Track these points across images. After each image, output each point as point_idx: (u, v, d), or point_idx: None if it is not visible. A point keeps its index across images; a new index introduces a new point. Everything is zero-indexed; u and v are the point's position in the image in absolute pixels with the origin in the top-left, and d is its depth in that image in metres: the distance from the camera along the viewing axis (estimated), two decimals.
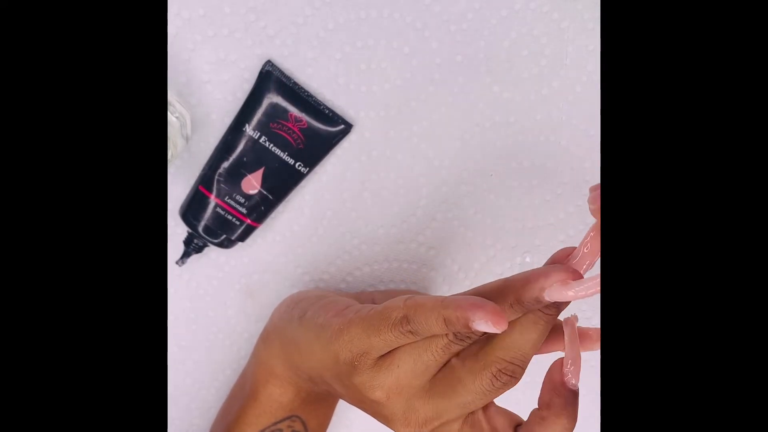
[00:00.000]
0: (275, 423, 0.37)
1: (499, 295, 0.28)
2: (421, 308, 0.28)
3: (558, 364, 0.29)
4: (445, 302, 0.27)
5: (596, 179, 0.42)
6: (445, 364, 0.30)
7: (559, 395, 0.29)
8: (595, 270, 0.26)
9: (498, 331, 0.26)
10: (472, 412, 0.30)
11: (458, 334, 0.28)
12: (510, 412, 0.32)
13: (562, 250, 0.29)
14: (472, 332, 0.27)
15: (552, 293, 0.27)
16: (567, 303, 0.28)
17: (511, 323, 0.28)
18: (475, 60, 0.40)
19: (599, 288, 0.26)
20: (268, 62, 0.39)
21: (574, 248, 0.29)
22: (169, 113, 0.37)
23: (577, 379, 0.29)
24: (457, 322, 0.26)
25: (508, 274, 0.44)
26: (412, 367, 0.29)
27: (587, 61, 0.40)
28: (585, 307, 0.45)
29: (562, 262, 0.29)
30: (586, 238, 0.28)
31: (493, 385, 0.29)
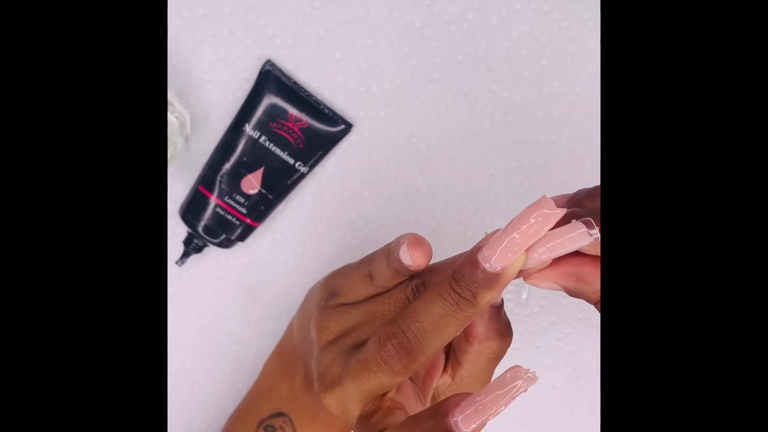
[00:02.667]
0: (271, 416, 0.37)
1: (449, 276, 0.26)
2: (376, 251, 0.29)
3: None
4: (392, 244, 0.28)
5: (596, 179, 0.42)
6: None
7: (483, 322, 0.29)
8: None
9: (412, 260, 0.27)
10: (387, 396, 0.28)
11: (414, 291, 0.28)
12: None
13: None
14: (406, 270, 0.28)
15: (483, 255, 0.24)
16: (489, 291, 0.25)
17: (427, 293, 0.26)
18: (475, 60, 0.40)
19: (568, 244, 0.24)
20: (268, 62, 0.39)
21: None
22: (168, 113, 0.37)
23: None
24: (392, 251, 0.27)
25: None
26: (361, 318, 0.29)
27: (587, 61, 0.40)
28: (586, 307, 0.45)
29: None
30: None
31: (383, 357, 0.26)
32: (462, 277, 0.25)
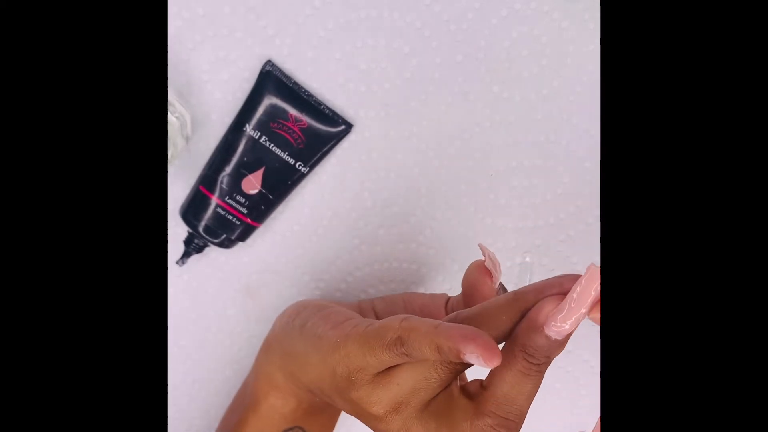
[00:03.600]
0: None
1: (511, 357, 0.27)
2: (415, 332, 0.27)
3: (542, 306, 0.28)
4: (438, 329, 0.27)
5: (596, 179, 0.42)
6: (444, 393, 0.29)
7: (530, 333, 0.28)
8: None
9: (490, 367, 0.26)
10: None
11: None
12: None
13: (542, 302, 0.28)
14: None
15: (553, 330, 0.26)
16: (560, 348, 0.27)
17: (503, 372, 0.27)
18: (475, 60, 0.40)
19: (592, 288, 0.25)
20: (268, 62, 0.39)
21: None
22: (169, 113, 0.37)
23: (572, 327, 0.27)
24: (449, 352, 0.26)
25: (508, 274, 0.44)
26: (413, 385, 0.29)
27: (587, 61, 0.40)
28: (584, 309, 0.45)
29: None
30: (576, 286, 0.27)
31: None
32: (535, 350, 0.27)
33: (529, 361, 0.27)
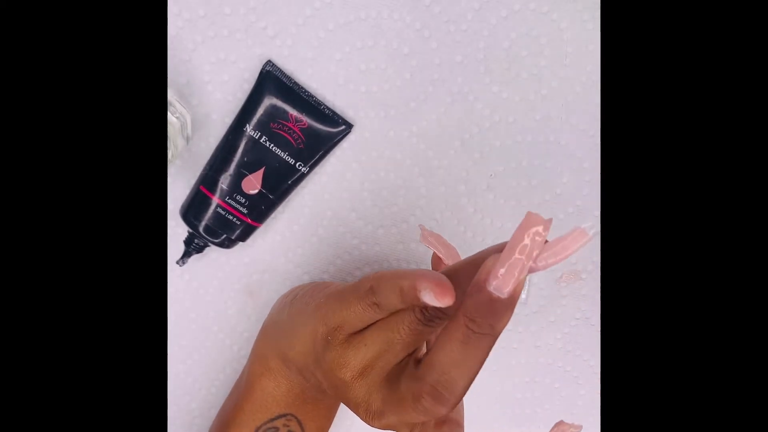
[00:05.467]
0: (271, 420, 0.37)
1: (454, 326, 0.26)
2: (383, 278, 0.28)
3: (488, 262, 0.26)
4: (402, 273, 0.27)
5: (596, 179, 0.42)
6: (405, 362, 0.30)
7: (470, 295, 0.26)
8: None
9: (441, 304, 0.25)
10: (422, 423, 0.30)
11: (424, 314, 0.28)
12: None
13: (488, 260, 0.25)
14: (425, 306, 0.27)
15: (492, 285, 0.24)
16: (505, 315, 0.25)
17: (444, 340, 0.26)
18: (475, 60, 0.40)
19: (570, 251, 0.24)
20: (269, 62, 0.39)
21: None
22: (169, 113, 0.37)
23: (507, 287, 0.25)
24: (408, 292, 0.26)
25: None
26: (379, 347, 0.29)
27: (587, 61, 0.40)
28: (585, 306, 0.45)
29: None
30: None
31: (420, 409, 0.27)
32: (477, 314, 0.25)
33: (470, 327, 0.25)
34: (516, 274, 0.24)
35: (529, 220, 0.24)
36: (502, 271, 0.24)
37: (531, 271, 0.25)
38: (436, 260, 0.36)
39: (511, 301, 0.25)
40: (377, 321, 0.30)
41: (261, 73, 0.39)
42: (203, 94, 0.40)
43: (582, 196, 0.43)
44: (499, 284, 0.24)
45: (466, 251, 0.43)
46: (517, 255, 0.24)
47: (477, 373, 0.26)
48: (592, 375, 0.46)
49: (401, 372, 0.29)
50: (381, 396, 0.29)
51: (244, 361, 0.45)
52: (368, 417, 0.30)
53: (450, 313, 0.28)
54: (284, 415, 0.37)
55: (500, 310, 0.25)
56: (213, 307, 0.44)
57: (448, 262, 0.34)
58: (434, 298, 0.25)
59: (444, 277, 0.26)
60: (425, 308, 0.28)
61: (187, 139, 0.39)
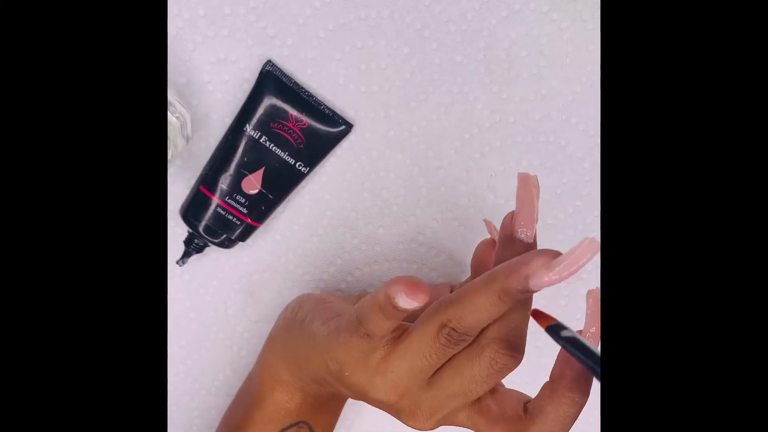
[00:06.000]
0: (282, 430, 0.37)
1: (487, 287, 0.27)
2: (365, 304, 0.28)
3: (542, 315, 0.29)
4: (376, 291, 0.27)
5: (596, 179, 0.42)
6: None
7: (573, 367, 0.28)
8: (572, 243, 0.27)
9: (417, 303, 0.25)
10: (479, 398, 0.30)
11: (451, 338, 0.28)
12: (518, 392, 0.31)
13: (506, 218, 0.30)
14: (463, 333, 0.27)
15: (537, 280, 0.26)
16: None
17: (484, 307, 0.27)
18: (475, 60, 0.40)
19: (584, 261, 0.25)
20: (269, 62, 0.39)
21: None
22: (169, 113, 0.37)
23: (531, 232, 0.30)
24: (386, 306, 0.26)
25: None
26: (408, 372, 0.29)
27: (587, 61, 0.40)
28: (585, 307, 0.45)
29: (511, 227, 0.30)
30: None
31: (493, 367, 0.28)
32: (514, 264, 0.26)
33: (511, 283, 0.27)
34: (533, 219, 0.29)
35: (524, 178, 0.29)
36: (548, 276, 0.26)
37: (547, 285, 0.26)
38: (487, 250, 0.35)
39: (535, 244, 0.29)
40: (400, 345, 0.29)
41: (261, 73, 0.39)
42: (203, 94, 0.40)
43: (582, 196, 0.43)
44: (524, 230, 0.29)
45: (466, 251, 0.43)
46: (527, 205, 0.29)
47: (528, 317, 0.29)
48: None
49: (445, 366, 0.29)
50: (426, 395, 0.29)
51: (244, 362, 0.45)
52: (418, 420, 0.30)
53: (473, 332, 0.28)
54: (296, 424, 0.37)
55: (541, 254, 0.26)
56: (213, 307, 0.44)
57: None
58: (407, 299, 0.25)
59: (414, 277, 0.26)
60: (450, 333, 0.28)
61: (187, 139, 0.39)
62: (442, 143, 0.41)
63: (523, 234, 0.29)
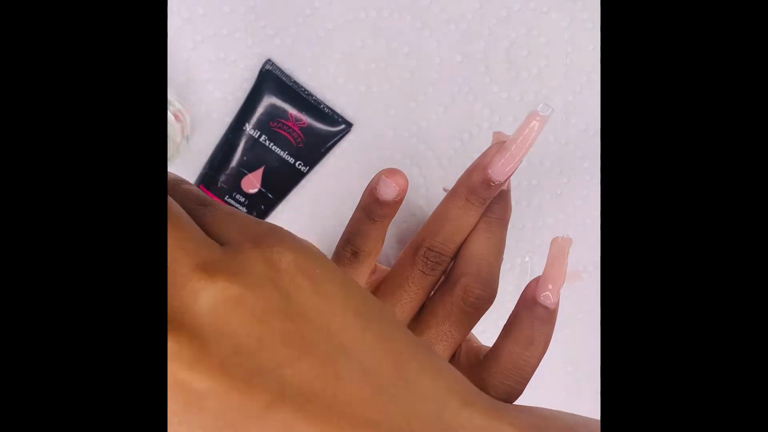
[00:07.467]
0: None
1: (453, 193, 0.27)
2: (350, 220, 0.29)
3: (534, 281, 0.28)
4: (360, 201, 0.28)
5: (596, 179, 0.42)
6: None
7: (527, 308, 0.27)
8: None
9: (397, 187, 0.26)
10: (454, 353, 0.30)
11: (427, 260, 0.28)
12: (486, 345, 0.31)
13: (532, 282, 0.28)
14: (439, 252, 0.28)
15: (495, 167, 0.26)
16: (506, 189, 0.28)
17: (468, 238, 0.28)
18: (475, 60, 0.40)
19: (533, 134, 0.25)
20: (268, 61, 0.39)
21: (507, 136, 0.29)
22: (169, 113, 0.37)
23: (555, 298, 0.27)
24: (370, 203, 0.27)
25: (509, 275, 0.44)
26: (388, 304, 0.29)
27: (586, 62, 0.40)
28: (585, 307, 0.45)
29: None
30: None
31: (465, 302, 0.27)
32: (473, 187, 0.27)
33: (489, 214, 0.28)
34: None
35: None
36: (502, 160, 0.26)
37: (507, 171, 0.27)
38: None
39: (505, 187, 0.28)
40: (381, 283, 0.29)
41: (261, 72, 0.39)
42: (203, 93, 0.40)
43: (582, 196, 0.43)
44: (549, 294, 0.27)
45: None
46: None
47: (502, 253, 0.29)
48: (592, 374, 0.46)
49: (422, 311, 0.29)
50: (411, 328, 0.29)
51: None
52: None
53: (449, 252, 0.28)
54: None
55: (494, 190, 0.27)
56: None
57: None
58: (387, 180, 0.26)
59: (390, 168, 0.27)
60: (426, 253, 0.28)
61: (187, 139, 0.39)
62: (442, 143, 0.41)
63: (547, 300, 0.27)
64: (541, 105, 0.25)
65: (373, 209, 0.27)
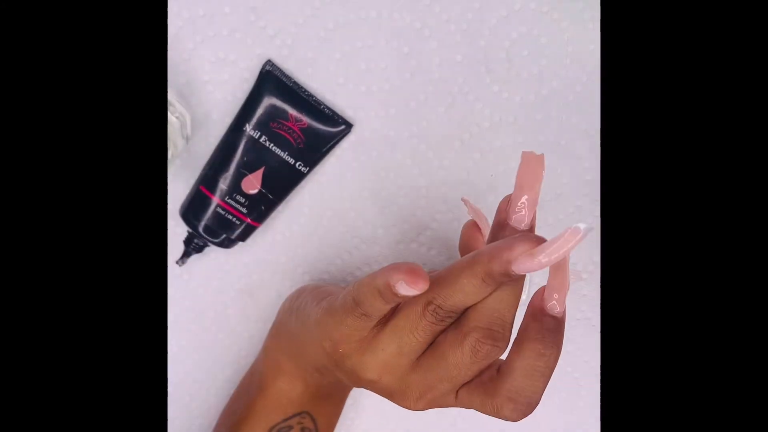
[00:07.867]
0: (285, 419, 0.37)
1: (470, 268, 0.27)
2: (362, 286, 0.28)
3: (540, 291, 0.28)
4: (375, 273, 0.27)
5: (596, 179, 0.42)
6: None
7: (536, 320, 0.28)
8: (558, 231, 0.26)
9: (417, 291, 0.26)
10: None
11: (437, 315, 0.28)
12: (499, 359, 0.31)
13: (502, 202, 0.28)
14: (449, 311, 0.27)
15: (520, 265, 0.26)
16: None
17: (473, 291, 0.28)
18: (475, 60, 0.40)
19: (567, 249, 0.25)
20: (268, 62, 0.39)
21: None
22: (169, 113, 0.37)
23: (562, 307, 0.28)
24: (385, 291, 0.27)
25: None
26: (397, 349, 0.29)
27: (587, 62, 0.40)
28: (585, 307, 0.45)
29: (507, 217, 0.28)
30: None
31: (476, 356, 0.28)
32: (503, 247, 0.26)
33: (502, 270, 0.27)
34: (541, 267, 0.26)
35: (527, 157, 0.26)
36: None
37: (530, 271, 0.25)
38: (471, 231, 0.36)
39: (533, 231, 0.28)
40: (389, 322, 0.29)
41: (261, 72, 0.39)
42: (203, 93, 0.40)
43: (582, 196, 0.43)
44: (519, 217, 0.27)
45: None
46: (551, 257, 0.25)
47: (517, 306, 0.28)
48: (592, 375, 0.45)
49: (431, 347, 0.29)
50: (415, 376, 0.30)
51: (244, 362, 0.45)
52: (408, 401, 0.30)
53: (459, 310, 0.28)
54: (299, 414, 0.37)
55: (525, 239, 0.26)
56: (213, 307, 0.44)
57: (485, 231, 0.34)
58: (408, 285, 0.26)
59: (415, 264, 0.26)
60: (436, 310, 0.28)
61: (187, 139, 0.39)
62: (442, 143, 0.41)
63: (517, 222, 0.27)
64: (584, 225, 0.24)
65: (387, 295, 0.27)
